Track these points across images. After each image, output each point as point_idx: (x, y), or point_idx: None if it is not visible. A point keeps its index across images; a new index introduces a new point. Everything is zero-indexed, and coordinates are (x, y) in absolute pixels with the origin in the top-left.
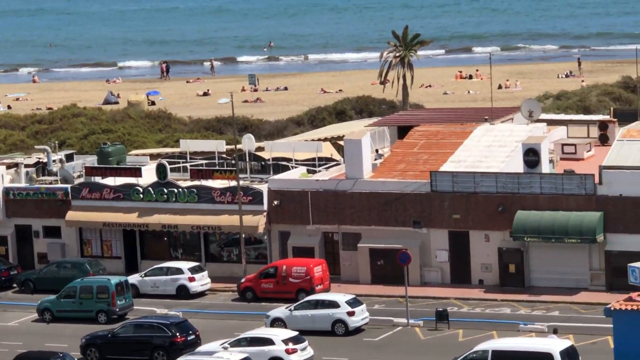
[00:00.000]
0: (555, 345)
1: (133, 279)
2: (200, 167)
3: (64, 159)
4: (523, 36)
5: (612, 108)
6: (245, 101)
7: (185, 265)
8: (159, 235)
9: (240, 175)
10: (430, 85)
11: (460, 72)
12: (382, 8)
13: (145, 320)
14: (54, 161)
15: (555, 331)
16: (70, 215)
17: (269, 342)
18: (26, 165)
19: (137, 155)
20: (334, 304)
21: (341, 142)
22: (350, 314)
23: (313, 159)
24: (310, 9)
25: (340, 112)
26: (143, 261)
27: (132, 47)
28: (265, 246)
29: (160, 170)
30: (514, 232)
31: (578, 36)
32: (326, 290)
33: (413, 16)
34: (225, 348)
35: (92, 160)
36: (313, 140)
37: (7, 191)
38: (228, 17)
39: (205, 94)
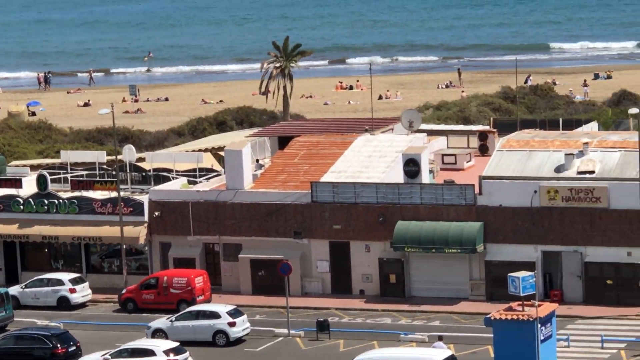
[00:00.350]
0: (436, 355)
1: (14, 290)
2: (81, 178)
3: None
4: (402, 47)
5: (492, 118)
6: (126, 112)
7: (66, 276)
8: (40, 247)
9: (121, 186)
10: (310, 96)
11: (341, 82)
12: (260, 20)
13: (25, 331)
14: None
15: (440, 338)
16: None
17: (150, 353)
18: None
19: (17, 166)
20: (215, 315)
21: (222, 153)
22: (231, 324)
23: (194, 170)
24: (190, 20)
25: (221, 123)
26: (23, 272)
27: (9, 58)
28: (146, 257)
29: (41, 181)
30: (395, 243)
31: (457, 47)
32: (207, 301)
33: (292, 27)
34: (107, 359)
35: None
36: (194, 151)
37: None
38: (106, 29)
39: (86, 104)
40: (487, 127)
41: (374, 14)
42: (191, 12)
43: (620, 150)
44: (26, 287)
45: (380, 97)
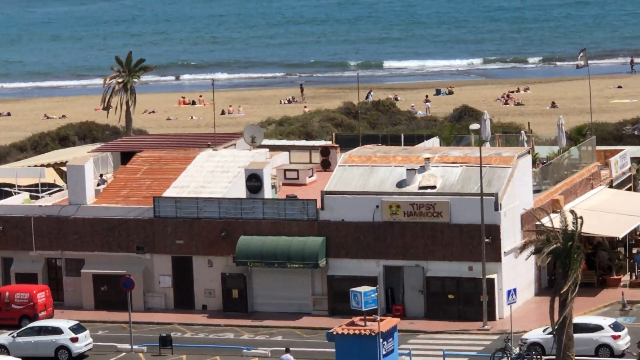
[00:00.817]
0: None
1: None
2: None
3: None
4: (244, 63)
5: (334, 134)
6: None
7: None
8: None
9: None
10: (153, 111)
11: (184, 98)
12: (100, 35)
13: None
14: None
15: (287, 350)
16: None
17: None
18: None
19: None
20: (57, 330)
21: (64, 168)
22: (74, 340)
23: (36, 185)
24: (29, 36)
25: (63, 138)
26: None
27: None
28: None
29: None
30: (237, 258)
31: (299, 64)
32: (50, 316)
33: (134, 43)
34: None
35: None
36: (36, 166)
37: None
38: None
39: None
40: (329, 143)
41: (214, 30)
42: (30, 28)
43: (462, 166)
44: None
45: (222, 113)
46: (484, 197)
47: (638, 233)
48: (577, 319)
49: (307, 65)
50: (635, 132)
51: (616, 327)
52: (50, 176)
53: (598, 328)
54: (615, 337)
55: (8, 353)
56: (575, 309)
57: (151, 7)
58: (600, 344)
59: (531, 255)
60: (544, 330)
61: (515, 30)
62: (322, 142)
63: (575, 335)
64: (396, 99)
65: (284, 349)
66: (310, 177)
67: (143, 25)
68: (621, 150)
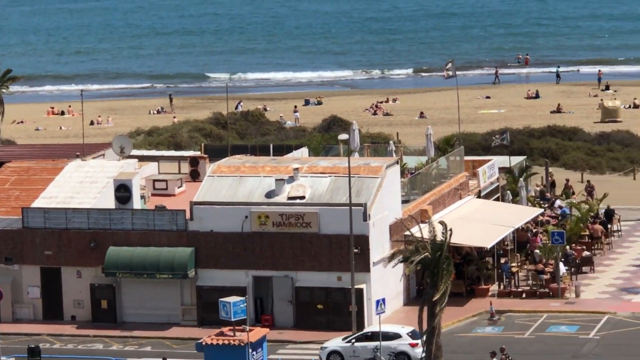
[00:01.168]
0: None
1: None
2: None
3: None
4: (111, 74)
5: (202, 144)
6: None
7: None
8: None
9: None
10: (22, 122)
11: (53, 108)
12: None
13: None
14: None
15: (164, 359)
16: None
17: None
18: None
19: None
20: None
21: None
22: None
23: None
24: None
25: None
26: None
27: None
28: None
29: None
30: (106, 268)
31: (166, 75)
32: None
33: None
34: None
35: None
36: None
37: None
38: None
39: None
40: (198, 153)
41: (80, 41)
42: None
43: (330, 176)
44: None
45: (91, 123)
46: (352, 207)
47: (506, 243)
48: (376, 327)
49: (174, 76)
50: (504, 142)
51: (414, 335)
52: None
53: (396, 336)
54: (412, 345)
55: None
56: (444, 319)
57: (16, 18)
58: (398, 351)
59: (399, 264)
60: (344, 339)
61: (382, 41)
62: (191, 153)
63: (375, 343)
64: (265, 110)
65: (161, 359)
66: (179, 187)
67: (8, 36)
68: (489, 160)
